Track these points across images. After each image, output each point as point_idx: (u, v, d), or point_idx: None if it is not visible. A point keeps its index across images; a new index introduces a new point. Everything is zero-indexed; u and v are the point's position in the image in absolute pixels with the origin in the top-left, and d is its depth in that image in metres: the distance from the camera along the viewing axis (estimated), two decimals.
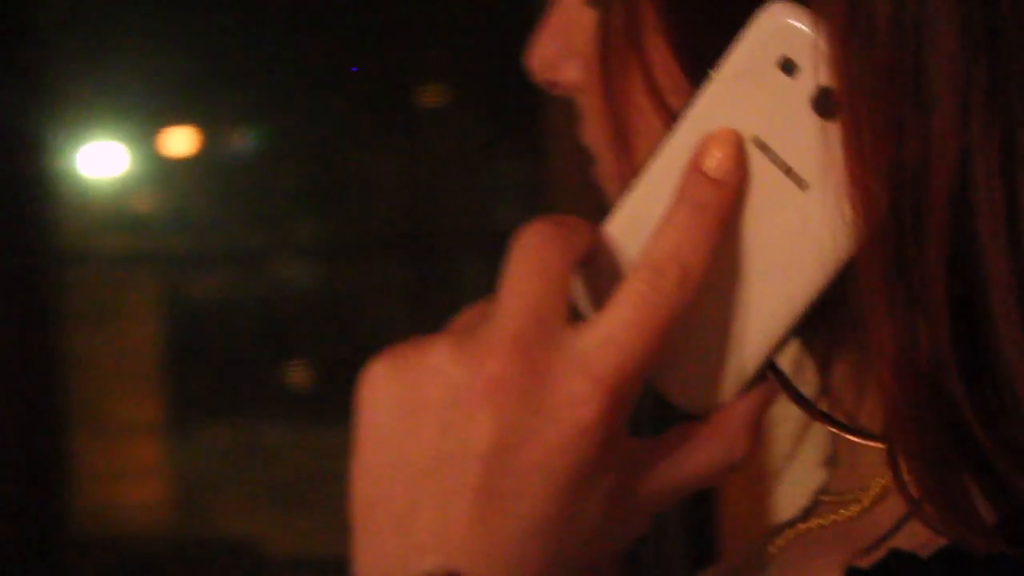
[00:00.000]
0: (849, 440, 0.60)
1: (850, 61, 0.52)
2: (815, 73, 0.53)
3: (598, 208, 0.63)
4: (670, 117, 0.57)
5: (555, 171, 2.37)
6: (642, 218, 0.56)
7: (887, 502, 0.59)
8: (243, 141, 3.71)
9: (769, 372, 0.58)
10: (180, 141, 3.65)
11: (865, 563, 0.55)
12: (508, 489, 0.54)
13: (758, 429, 0.59)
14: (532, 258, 0.56)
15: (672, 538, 1.63)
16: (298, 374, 3.89)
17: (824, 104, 0.53)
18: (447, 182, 3.53)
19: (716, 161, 0.54)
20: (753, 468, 0.65)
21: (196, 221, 3.79)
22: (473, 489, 0.54)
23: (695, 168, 0.54)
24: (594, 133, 0.62)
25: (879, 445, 0.56)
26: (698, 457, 0.58)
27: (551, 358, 0.54)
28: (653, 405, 0.58)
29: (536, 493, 0.54)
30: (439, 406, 0.55)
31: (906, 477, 0.54)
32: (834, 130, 0.53)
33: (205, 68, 3.57)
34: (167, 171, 3.62)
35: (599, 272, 0.57)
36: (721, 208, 0.54)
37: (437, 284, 3.66)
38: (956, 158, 0.51)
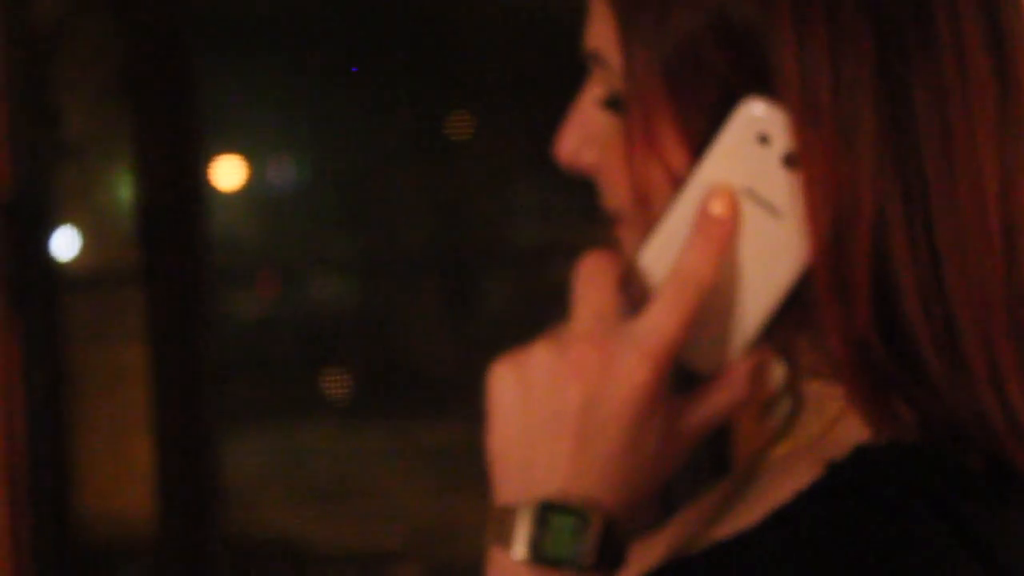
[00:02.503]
0: (812, 388, 0.80)
1: (805, 135, 0.72)
2: (783, 141, 0.73)
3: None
4: (678, 183, 0.75)
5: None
6: (663, 250, 0.75)
7: (837, 429, 0.78)
8: (284, 169, 3.90)
9: (761, 342, 0.77)
10: (227, 171, 3.82)
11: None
12: (593, 433, 0.72)
13: (756, 379, 0.78)
14: (591, 278, 0.74)
15: (700, 464, 1.93)
16: (336, 382, 4.04)
17: (790, 161, 0.73)
18: (472, 205, 3.74)
19: (718, 206, 0.73)
20: (755, 413, 0.90)
21: (244, 243, 3.98)
22: (569, 435, 0.72)
23: (704, 212, 0.74)
24: (616, 200, 0.79)
25: (835, 388, 0.76)
26: (716, 401, 0.77)
27: (613, 343, 0.72)
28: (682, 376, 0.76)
29: (611, 434, 0.72)
30: (543, 385, 0.73)
31: (856, 403, 0.74)
32: (797, 178, 0.73)
33: (247, 101, 3.75)
34: (216, 200, 3.77)
35: (633, 287, 0.76)
36: (723, 238, 0.73)
37: (462, 297, 3.84)
38: (875, 201, 0.71)
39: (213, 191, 3.72)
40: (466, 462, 3.46)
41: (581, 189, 0.82)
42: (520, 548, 0.71)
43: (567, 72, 0.82)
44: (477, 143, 3.66)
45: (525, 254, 3.72)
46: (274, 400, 4.12)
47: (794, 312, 0.76)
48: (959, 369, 0.72)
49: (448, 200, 3.80)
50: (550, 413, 0.72)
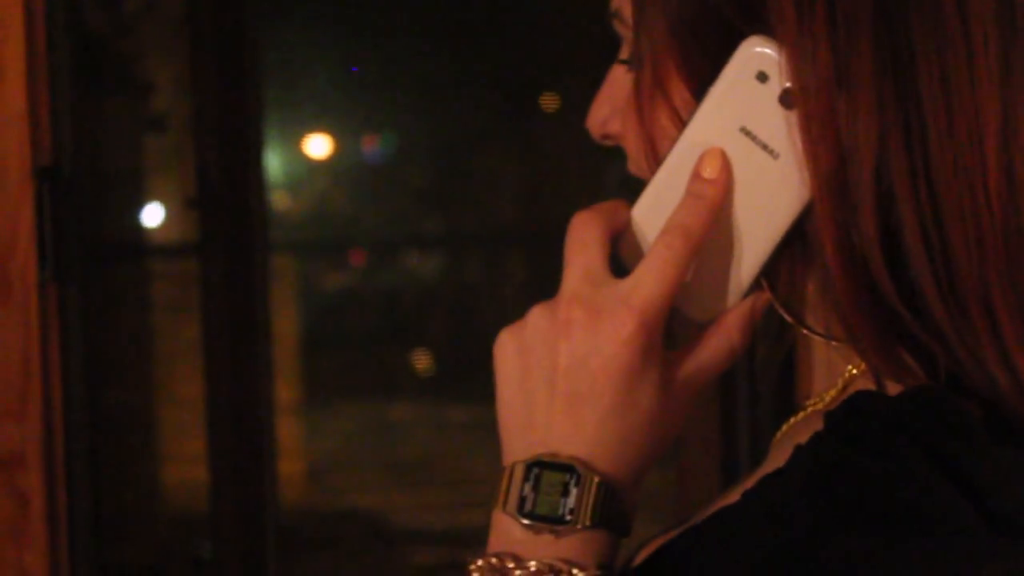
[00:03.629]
0: (820, 355, 0.80)
1: (800, 71, 0.71)
2: (780, 79, 0.72)
3: None
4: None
5: None
6: (659, 204, 0.75)
7: (848, 391, 0.76)
8: (374, 145, 3.93)
9: (759, 288, 0.77)
10: (319, 145, 3.89)
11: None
12: (585, 390, 0.72)
13: (750, 326, 0.78)
14: (578, 237, 0.74)
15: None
16: (423, 359, 4.12)
17: (787, 100, 0.72)
18: (560, 181, 3.72)
19: (709, 168, 0.74)
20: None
21: (332, 217, 3.99)
22: (562, 394, 0.73)
23: (696, 174, 0.74)
24: (638, 164, 0.78)
25: (840, 342, 0.76)
26: (709, 349, 0.78)
27: (601, 300, 0.72)
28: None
29: (603, 389, 0.72)
30: (537, 347, 0.73)
31: (864, 352, 0.73)
32: (794, 117, 0.72)
33: (337, 80, 3.80)
34: (309, 172, 3.87)
35: (630, 240, 0.76)
36: (716, 197, 0.74)
37: (550, 276, 3.82)
38: (877, 139, 0.71)
39: (306, 166, 3.80)
40: None
41: None
42: (511, 506, 0.71)
43: None
44: (566, 121, 3.65)
45: None
46: (360, 376, 4.18)
47: (799, 262, 0.76)
48: (960, 314, 0.72)
49: (535, 179, 3.78)
50: (544, 374, 0.73)
